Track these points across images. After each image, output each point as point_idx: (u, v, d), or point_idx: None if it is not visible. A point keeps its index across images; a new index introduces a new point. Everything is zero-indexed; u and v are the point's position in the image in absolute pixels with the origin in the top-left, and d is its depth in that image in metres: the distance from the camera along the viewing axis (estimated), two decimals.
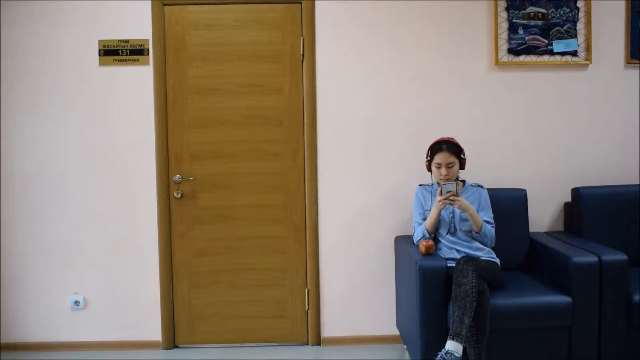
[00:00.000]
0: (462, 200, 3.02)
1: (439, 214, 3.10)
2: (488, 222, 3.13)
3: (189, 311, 3.61)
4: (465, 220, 3.11)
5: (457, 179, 3.19)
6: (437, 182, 3.18)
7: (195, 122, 3.53)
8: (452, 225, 3.13)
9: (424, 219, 3.19)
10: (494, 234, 3.11)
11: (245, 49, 3.53)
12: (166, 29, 3.50)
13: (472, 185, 3.20)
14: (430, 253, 3.01)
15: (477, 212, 3.11)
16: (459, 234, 3.12)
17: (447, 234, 3.14)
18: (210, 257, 3.59)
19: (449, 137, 3.19)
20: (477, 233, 3.08)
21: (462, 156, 3.16)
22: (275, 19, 3.52)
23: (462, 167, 3.17)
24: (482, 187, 3.20)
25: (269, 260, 3.61)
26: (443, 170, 3.10)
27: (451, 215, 3.13)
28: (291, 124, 3.56)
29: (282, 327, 3.63)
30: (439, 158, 3.11)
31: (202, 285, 3.60)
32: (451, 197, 2.99)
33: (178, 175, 3.54)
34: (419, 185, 3.30)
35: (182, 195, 3.55)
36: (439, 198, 3.03)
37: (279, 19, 3.52)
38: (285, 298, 3.63)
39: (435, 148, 3.14)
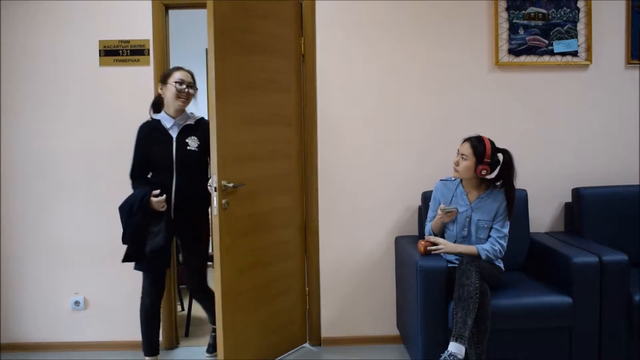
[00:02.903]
0: (447, 247, 3.03)
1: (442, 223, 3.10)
2: (498, 231, 3.02)
3: (234, 338, 3.06)
4: (483, 228, 3.04)
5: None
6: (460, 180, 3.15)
7: None
8: (466, 229, 3.07)
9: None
10: (497, 249, 3.01)
11: (249, 42, 3.18)
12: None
13: (497, 190, 3.07)
14: (429, 253, 3.01)
15: (493, 219, 3.03)
16: (471, 240, 3.05)
17: (455, 241, 3.09)
18: (238, 271, 3.11)
19: (489, 139, 3.04)
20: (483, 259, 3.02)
21: (484, 159, 2.99)
22: (278, 15, 3.37)
23: (479, 170, 3.00)
24: (503, 194, 3.07)
25: (283, 267, 3.42)
26: (455, 158, 3.08)
27: (467, 219, 3.07)
28: (296, 123, 3.50)
29: (291, 333, 3.50)
30: (461, 146, 3.07)
31: (246, 310, 3.16)
32: (434, 249, 3.01)
33: None
34: (440, 180, 3.23)
35: None
36: (441, 215, 3.02)
37: (282, 16, 3.39)
38: (293, 301, 3.51)
39: (467, 137, 3.08)
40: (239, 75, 3.07)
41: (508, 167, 3.03)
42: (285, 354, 3.48)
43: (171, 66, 3.35)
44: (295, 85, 3.48)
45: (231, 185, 2.95)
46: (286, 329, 3.47)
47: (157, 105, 3.16)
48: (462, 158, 3.03)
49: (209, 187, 2.94)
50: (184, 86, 3.03)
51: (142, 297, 3.11)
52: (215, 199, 2.87)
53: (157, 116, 3.12)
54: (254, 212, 3.19)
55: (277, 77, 3.34)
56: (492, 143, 3.04)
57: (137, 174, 3.08)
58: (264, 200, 3.26)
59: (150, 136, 3.06)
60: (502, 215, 3.04)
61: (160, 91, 3.10)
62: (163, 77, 3.09)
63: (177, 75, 3.04)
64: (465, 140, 3.07)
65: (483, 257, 2.98)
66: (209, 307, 3.33)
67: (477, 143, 3.02)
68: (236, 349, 3.05)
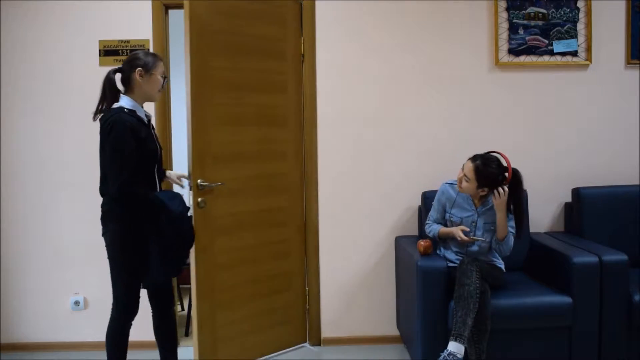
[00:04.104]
0: (500, 210, 2.92)
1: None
2: (511, 228, 3.02)
3: (212, 333, 3.14)
4: (489, 231, 3.02)
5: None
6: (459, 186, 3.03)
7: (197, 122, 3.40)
8: (472, 234, 3.03)
9: (442, 217, 3.14)
10: (512, 244, 3.01)
11: (249, 44, 3.28)
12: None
13: None
14: (428, 253, 3.00)
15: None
16: (476, 244, 3.03)
17: (459, 247, 3.08)
18: (216, 268, 3.17)
19: (496, 158, 2.97)
20: (500, 241, 2.97)
21: (485, 185, 2.94)
22: (279, 15, 3.41)
23: (479, 191, 2.97)
24: None
25: (276, 265, 3.45)
26: (460, 175, 2.99)
27: (473, 224, 3.05)
28: (294, 124, 3.52)
29: (288, 331, 3.53)
30: (465, 165, 2.98)
31: (226, 306, 3.23)
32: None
33: None
34: (446, 183, 3.17)
35: None
36: (462, 237, 2.95)
37: (282, 16, 3.42)
38: (291, 300, 3.54)
39: (473, 157, 2.98)
40: (221, 77, 3.13)
41: (516, 188, 2.96)
42: (280, 352, 3.48)
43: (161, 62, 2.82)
44: (293, 85, 3.48)
45: (206, 184, 3.01)
46: (282, 328, 3.49)
47: (115, 88, 2.61)
48: (465, 179, 2.97)
49: (184, 185, 2.92)
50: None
51: (120, 315, 2.69)
52: (191, 197, 2.92)
53: (126, 104, 2.58)
54: (238, 211, 3.23)
55: (271, 77, 3.37)
56: (497, 165, 2.95)
57: (133, 179, 2.51)
58: (250, 199, 3.30)
59: (138, 130, 2.53)
60: (511, 216, 3.02)
61: (139, 77, 2.59)
62: (147, 65, 2.61)
63: (161, 68, 2.65)
64: (472, 160, 2.97)
65: (507, 238, 2.95)
66: (171, 344, 2.90)
67: (482, 167, 2.92)
68: (215, 343, 3.13)
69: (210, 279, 3.11)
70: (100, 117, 2.60)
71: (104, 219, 2.64)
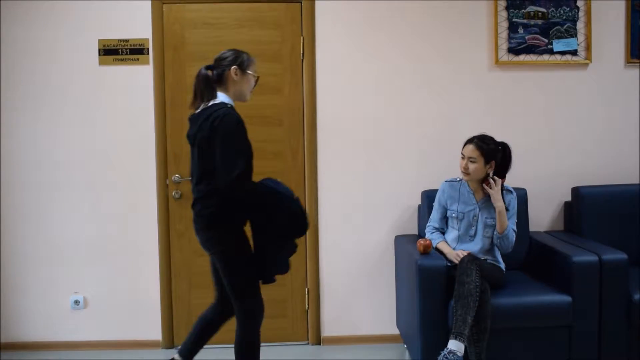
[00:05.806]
0: (498, 200, 2.96)
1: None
2: (513, 225, 3.04)
3: (188, 312, 3.57)
4: (490, 226, 3.04)
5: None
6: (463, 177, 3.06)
7: None
8: (474, 228, 3.06)
9: (442, 218, 3.16)
10: (514, 240, 3.02)
11: (245, 48, 3.48)
12: (165, 27, 3.47)
13: (503, 190, 3.04)
14: (428, 252, 3.00)
15: None
16: (477, 239, 3.05)
17: (459, 242, 3.10)
18: (192, 254, 3.53)
19: (491, 138, 3.03)
20: (500, 234, 2.98)
21: (492, 159, 2.98)
22: (275, 18, 3.51)
23: (487, 168, 3.00)
24: (511, 192, 3.07)
25: None
26: (463, 163, 3.02)
27: (475, 218, 3.06)
28: (291, 124, 3.56)
29: (282, 326, 3.62)
30: (464, 149, 3.02)
31: (202, 286, 3.50)
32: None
33: (177, 175, 3.53)
34: (446, 181, 3.18)
35: (181, 195, 3.54)
36: (455, 259, 2.96)
37: (279, 18, 3.51)
38: (286, 298, 3.62)
39: (468, 139, 3.04)
40: None
41: (506, 161, 3.05)
42: (274, 343, 3.56)
43: None
44: (289, 85, 3.52)
45: (179, 178, 3.51)
46: (274, 320, 3.55)
47: (211, 84, 2.56)
48: (470, 161, 2.98)
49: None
50: None
51: (258, 318, 2.61)
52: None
53: (227, 100, 2.57)
54: None
55: (261, 79, 3.40)
56: (492, 140, 3.04)
57: (248, 172, 2.47)
58: None
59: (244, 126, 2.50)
60: (512, 211, 3.04)
61: (235, 76, 2.58)
62: (241, 63, 2.60)
63: (254, 67, 2.65)
64: (469, 142, 3.03)
65: (507, 231, 2.97)
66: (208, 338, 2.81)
67: (482, 143, 3.00)
68: (190, 319, 3.48)
69: (187, 262, 3.57)
70: (195, 114, 2.57)
71: (208, 223, 2.51)
